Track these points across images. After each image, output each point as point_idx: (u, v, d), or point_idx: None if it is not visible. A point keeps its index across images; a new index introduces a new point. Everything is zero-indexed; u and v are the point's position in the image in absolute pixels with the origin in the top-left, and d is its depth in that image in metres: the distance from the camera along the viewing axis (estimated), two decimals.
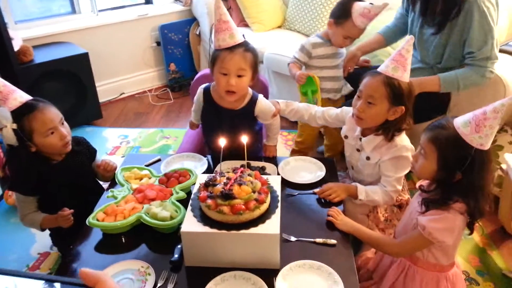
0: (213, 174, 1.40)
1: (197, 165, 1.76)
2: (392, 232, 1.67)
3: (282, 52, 2.93)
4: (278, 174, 1.64)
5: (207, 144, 1.92)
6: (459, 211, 1.20)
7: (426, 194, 1.29)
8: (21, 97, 1.46)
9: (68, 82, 2.90)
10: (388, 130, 1.52)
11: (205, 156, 1.81)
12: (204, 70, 2.21)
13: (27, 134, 1.44)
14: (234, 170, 1.39)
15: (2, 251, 1.99)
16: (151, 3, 3.77)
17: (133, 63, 3.64)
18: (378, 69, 1.50)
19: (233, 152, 1.70)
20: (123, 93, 3.64)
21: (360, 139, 1.61)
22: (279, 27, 3.55)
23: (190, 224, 1.27)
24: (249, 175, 1.37)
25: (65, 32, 3.14)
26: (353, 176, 1.75)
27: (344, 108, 1.73)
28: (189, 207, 1.34)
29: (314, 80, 2.09)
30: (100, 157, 2.63)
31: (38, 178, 1.53)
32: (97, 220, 1.40)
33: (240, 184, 1.30)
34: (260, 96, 1.72)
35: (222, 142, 1.40)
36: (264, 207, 1.29)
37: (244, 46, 1.55)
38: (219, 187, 1.30)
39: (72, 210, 1.49)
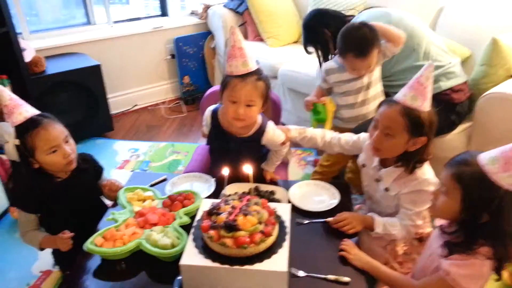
0: (218, 201, 1.32)
1: (204, 187, 1.68)
2: (411, 267, 1.55)
3: (298, 68, 2.87)
4: (289, 200, 1.55)
5: (212, 166, 1.84)
6: (485, 255, 1.08)
7: (447, 236, 1.17)
8: (26, 111, 1.40)
9: (79, 94, 2.88)
10: (408, 162, 1.40)
11: (213, 176, 1.73)
12: (216, 87, 2.14)
13: (29, 151, 1.39)
14: (240, 198, 1.31)
15: (3, 267, 1.94)
16: (167, 15, 3.76)
17: (147, 75, 3.62)
18: (395, 98, 1.39)
19: (239, 177, 1.62)
20: (136, 104, 3.62)
21: (379, 169, 1.50)
22: (295, 42, 3.48)
23: (191, 256, 1.18)
24: (255, 203, 1.28)
25: (79, 43, 3.14)
26: (371, 207, 1.64)
27: (362, 135, 1.63)
28: (191, 236, 1.26)
29: (325, 107, 1.98)
30: (109, 172, 2.70)
31: (40, 195, 1.47)
32: (95, 245, 1.32)
33: (245, 214, 1.21)
34: (270, 126, 1.62)
35: (226, 171, 1.31)
36: (271, 240, 1.20)
37: (257, 75, 1.48)
38: (223, 217, 1.21)
39: (71, 234, 1.42)
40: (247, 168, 1.28)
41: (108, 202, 1.69)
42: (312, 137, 1.70)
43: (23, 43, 2.61)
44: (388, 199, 1.50)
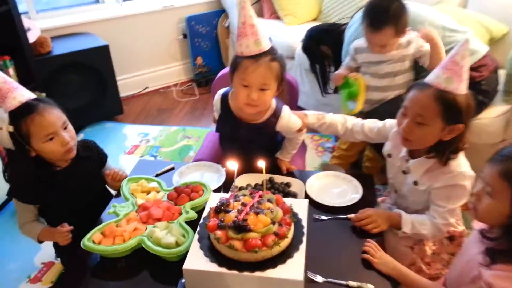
0: (227, 196, 1.19)
1: (214, 178, 1.55)
2: (439, 268, 1.40)
3: None
4: (306, 192, 1.41)
5: (225, 153, 1.70)
6: None
7: (489, 242, 1.01)
8: (21, 96, 1.29)
9: (87, 76, 2.77)
10: (442, 152, 1.24)
11: (223, 166, 1.59)
12: (227, 69, 1.98)
13: (25, 138, 1.29)
14: (252, 193, 1.17)
15: (3, 258, 1.87)
16: None
17: (158, 56, 3.49)
18: (427, 80, 1.22)
19: (251, 167, 1.49)
20: (147, 87, 3.50)
21: (407, 160, 1.34)
22: (314, 20, 3.28)
23: (195, 259, 1.06)
24: (269, 200, 1.14)
25: (87, 22, 3.01)
26: (396, 201, 1.48)
27: (388, 121, 1.46)
28: (196, 236, 1.13)
29: (357, 82, 1.82)
30: (118, 157, 2.59)
31: (39, 185, 1.38)
32: (93, 242, 1.21)
33: (257, 213, 1.08)
34: (285, 110, 1.48)
35: (233, 165, 1.17)
36: (285, 243, 1.07)
37: (271, 54, 1.33)
38: (232, 215, 1.08)
39: (70, 228, 1.34)
40: (261, 163, 1.13)
41: (113, 192, 1.59)
42: (332, 124, 1.54)
43: (28, 23, 2.50)
44: (417, 193, 1.34)
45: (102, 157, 1.58)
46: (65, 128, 1.36)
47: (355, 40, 1.99)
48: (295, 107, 1.87)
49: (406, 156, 1.35)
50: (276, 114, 1.45)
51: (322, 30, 2.29)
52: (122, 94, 3.15)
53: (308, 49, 2.31)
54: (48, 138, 1.31)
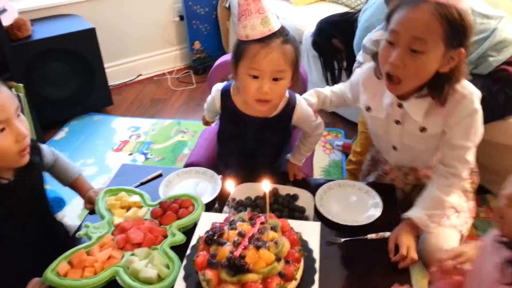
0: (220, 221, 0.97)
1: (208, 187, 1.32)
2: None
3: None
4: (315, 206, 1.18)
5: (220, 159, 1.47)
6: None
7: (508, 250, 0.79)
8: None
9: (72, 63, 2.53)
10: (441, 89, 1.03)
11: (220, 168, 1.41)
12: (227, 56, 1.73)
13: None
14: (251, 219, 0.94)
15: None
16: None
17: (151, 41, 3.24)
18: None
19: (253, 172, 1.29)
20: (141, 74, 3.27)
21: (400, 105, 1.12)
22: None
23: None
24: (272, 228, 0.91)
25: (71, 3, 2.75)
26: (398, 159, 1.29)
27: (353, 76, 1.28)
28: (181, 272, 0.91)
29: None
30: (105, 155, 2.29)
31: None
32: (58, 273, 1.00)
33: (258, 247, 0.85)
34: (299, 98, 1.26)
35: (231, 187, 0.95)
36: (293, 286, 0.85)
37: (283, 35, 1.09)
38: (226, 249, 0.86)
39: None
40: (265, 186, 0.90)
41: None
42: (329, 95, 1.36)
43: (2, 3, 2.25)
44: (428, 141, 1.16)
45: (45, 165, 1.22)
46: (18, 116, 1.00)
47: (370, 25, 1.73)
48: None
49: (395, 101, 1.13)
50: (291, 104, 1.22)
51: (333, 22, 2.06)
52: (112, 83, 2.92)
53: (318, 45, 2.10)
54: None
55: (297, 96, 1.26)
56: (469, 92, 1.05)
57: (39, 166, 1.13)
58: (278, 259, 0.85)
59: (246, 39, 1.07)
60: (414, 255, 1.02)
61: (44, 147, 1.24)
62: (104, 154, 2.37)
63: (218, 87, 1.29)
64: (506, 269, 0.77)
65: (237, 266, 0.82)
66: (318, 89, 1.36)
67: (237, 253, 0.83)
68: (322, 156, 2.27)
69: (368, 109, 1.22)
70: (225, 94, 1.25)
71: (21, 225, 1.10)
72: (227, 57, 1.71)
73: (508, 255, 0.78)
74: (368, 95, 1.21)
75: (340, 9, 2.81)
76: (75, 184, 1.32)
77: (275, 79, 1.11)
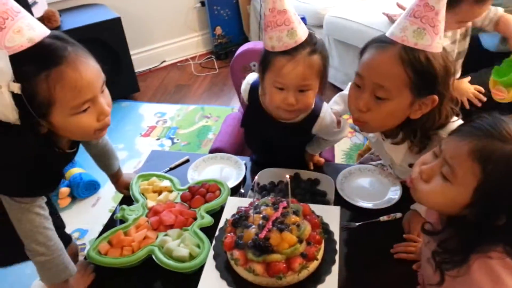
0: (245, 204, 1.04)
1: (233, 172, 1.39)
2: None
3: (347, 15, 2.43)
4: (336, 190, 1.23)
5: (248, 146, 1.53)
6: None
7: (435, 240, 0.79)
8: (32, 29, 0.80)
9: (99, 52, 2.48)
10: (413, 135, 0.99)
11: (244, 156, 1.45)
12: (249, 44, 1.77)
13: (42, 106, 0.82)
14: (275, 204, 1.00)
15: None
16: None
17: (174, 27, 3.28)
18: (389, 34, 0.93)
19: (276, 159, 1.35)
20: (165, 61, 3.33)
21: (384, 140, 1.11)
22: None
23: (210, 283, 0.93)
24: (294, 212, 0.97)
25: None
26: (396, 172, 1.27)
27: (345, 90, 1.23)
28: (211, 252, 0.99)
29: None
30: (134, 140, 2.40)
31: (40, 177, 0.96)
32: (99, 252, 1.09)
33: (281, 230, 0.91)
34: (325, 110, 1.22)
35: (288, 173, 1.01)
36: (315, 265, 0.92)
37: (310, 46, 1.05)
38: (252, 232, 0.92)
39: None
40: (287, 173, 0.96)
41: None
42: None
43: None
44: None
45: None
46: (102, 92, 0.92)
47: None
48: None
49: (380, 136, 1.11)
50: (314, 114, 1.20)
51: None
52: (138, 69, 3.00)
53: None
54: (82, 109, 0.86)
55: (324, 107, 1.22)
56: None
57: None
58: (300, 241, 0.91)
59: (272, 50, 1.05)
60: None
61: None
62: (133, 139, 2.46)
63: (249, 79, 1.28)
64: (434, 268, 0.76)
65: (262, 247, 0.88)
66: (343, 93, 1.32)
67: (262, 235, 0.90)
68: (344, 140, 2.29)
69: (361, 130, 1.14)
70: (254, 90, 1.25)
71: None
72: (248, 45, 1.74)
73: (433, 247, 0.77)
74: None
75: None
76: (114, 175, 1.35)
77: (302, 90, 1.08)
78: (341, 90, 2.71)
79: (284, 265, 0.88)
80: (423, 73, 0.89)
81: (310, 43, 1.05)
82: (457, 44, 1.63)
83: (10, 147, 0.88)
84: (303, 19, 1.08)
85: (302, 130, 1.24)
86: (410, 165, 1.07)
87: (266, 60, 1.08)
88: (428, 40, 0.88)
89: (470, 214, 0.73)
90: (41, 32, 0.82)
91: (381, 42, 0.93)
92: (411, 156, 1.05)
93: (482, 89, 1.60)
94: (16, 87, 0.77)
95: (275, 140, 1.31)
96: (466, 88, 1.62)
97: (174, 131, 2.53)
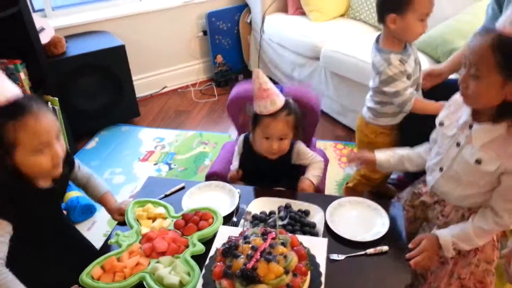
0: (236, 235, 1.07)
1: (226, 201, 1.44)
2: None
3: (343, 49, 2.51)
4: (325, 222, 1.27)
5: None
6: None
7: None
8: (7, 90, 1.04)
9: (102, 77, 2.68)
10: (507, 116, 1.06)
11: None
12: (243, 83, 1.82)
13: (8, 146, 1.04)
14: (264, 234, 1.04)
15: None
16: None
17: (176, 55, 3.37)
18: (497, 25, 1.04)
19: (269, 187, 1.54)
20: (166, 86, 3.40)
21: (470, 126, 1.14)
22: (342, 15, 3.09)
23: None
24: (282, 243, 1.01)
25: (103, 20, 2.91)
26: (437, 183, 1.28)
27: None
28: (200, 281, 1.02)
29: None
30: (132, 164, 2.46)
31: (13, 204, 1.12)
32: (92, 277, 1.12)
33: (268, 261, 0.95)
34: (297, 144, 1.61)
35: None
36: None
37: (286, 110, 1.48)
38: (240, 262, 0.96)
39: None
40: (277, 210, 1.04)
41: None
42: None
43: (41, 22, 2.42)
44: (476, 175, 1.14)
45: (71, 164, 1.35)
46: (57, 138, 1.12)
47: None
48: (314, 128, 1.79)
49: (469, 121, 1.15)
50: (290, 148, 1.57)
51: None
52: (139, 94, 3.06)
53: None
54: (38, 150, 1.06)
55: (297, 143, 1.60)
56: None
57: (68, 176, 1.28)
58: (286, 272, 0.94)
59: (260, 113, 1.46)
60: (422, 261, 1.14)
61: (81, 165, 1.40)
62: (131, 164, 2.50)
63: (241, 138, 1.67)
64: None
65: (249, 277, 0.91)
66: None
67: (249, 265, 0.93)
68: (337, 170, 2.34)
69: (441, 124, 1.25)
70: (246, 139, 1.64)
71: (50, 222, 1.25)
72: (238, 89, 1.81)
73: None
74: (449, 110, 1.25)
75: (359, 26, 2.89)
76: (103, 199, 1.43)
77: (281, 139, 1.49)
78: (336, 120, 2.80)
79: None
80: (510, 57, 0.99)
81: (286, 107, 1.47)
82: None
83: None
84: (281, 90, 1.51)
85: (285, 160, 1.58)
86: (477, 161, 1.11)
87: (256, 119, 1.50)
88: None
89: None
90: (15, 93, 1.05)
91: (485, 29, 1.06)
92: (494, 146, 1.09)
93: None
94: None
95: (267, 171, 1.58)
96: None
97: (172, 157, 2.57)
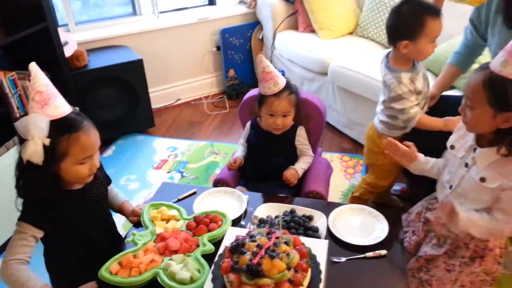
0: (243, 235, 1.16)
1: (235, 205, 1.53)
2: None
3: (351, 65, 2.61)
4: (328, 227, 1.35)
5: (246, 165, 1.83)
6: None
7: None
8: (63, 106, 1.16)
9: (121, 89, 2.82)
10: (502, 141, 1.18)
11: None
12: (254, 90, 1.95)
13: (59, 155, 1.15)
14: (268, 234, 1.13)
15: None
16: (215, 4, 3.60)
17: (191, 68, 3.51)
18: (490, 64, 1.17)
19: (271, 172, 1.75)
20: (180, 99, 3.54)
21: (475, 150, 1.27)
22: (351, 33, 3.20)
23: None
24: (285, 242, 1.10)
25: (123, 35, 3.07)
26: (446, 199, 1.38)
27: None
28: (210, 275, 1.11)
29: None
30: (146, 172, 2.58)
31: (51, 205, 1.24)
32: (110, 272, 1.22)
33: (272, 257, 1.03)
34: (300, 127, 1.79)
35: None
36: None
37: (288, 90, 1.68)
38: (247, 258, 1.04)
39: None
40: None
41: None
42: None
43: (65, 37, 2.57)
44: (482, 191, 1.24)
45: (107, 178, 1.50)
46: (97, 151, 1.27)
47: None
48: (321, 129, 1.88)
49: (473, 145, 1.27)
50: (294, 127, 1.77)
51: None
52: (154, 106, 3.19)
53: None
54: (82, 162, 1.20)
55: (301, 127, 1.78)
56: None
57: (98, 178, 1.38)
58: (288, 268, 1.02)
59: (265, 94, 1.67)
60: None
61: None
62: (145, 171, 2.61)
63: (248, 123, 1.85)
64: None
65: (254, 272, 1.00)
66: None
67: (255, 261, 1.02)
68: (343, 181, 2.41)
69: (452, 147, 1.36)
70: (254, 121, 1.83)
71: (88, 222, 1.35)
72: (252, 92, 1.94)
73: None
74: (458, 135, 1.36)
75: (367, 44, 2.98)
76: (122, 206, 1.52)
77: (284, 116, 1.68)
78: (343, 133, 2.90)
79: None
80: (499, 93, 1.13)
81: (288, 88, 1.67)
82: None
83: (30, 180, 1.20)
84: (283, 73, 1.70)
85: (287, 137, 1.77)
86: (481, 179, 1.22)
87: (261, 99, 1.70)
88: (509, 69, 1.10)
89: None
90: (69, 109, 1.18)
91: (481, 67, 1.19)
92: (496, 166, 1.21)
93: None
94: (47, 141, 1.11)
95: (269, 150, 1.77)
96: None
97: (184, 165, 2.67)
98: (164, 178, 2.51)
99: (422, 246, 1.47)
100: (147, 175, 2.59)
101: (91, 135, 1.19)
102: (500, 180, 1.18)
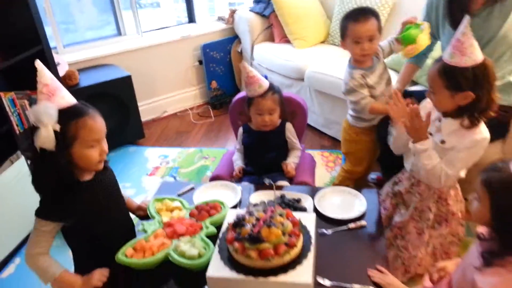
0: (242, 212, 1.34)
1: (231, 196, 1.70)
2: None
3: (325, 70, 2.84)
4: (314, 207, 1.54)
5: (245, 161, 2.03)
6: None
7: (484, 244, 1.12)
8: (69, 97, 1.29)
9: (112, 104, 2.96)
10: (461, 115, 1.45)
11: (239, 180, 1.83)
12: (242, 93, 2.16)
13: (69, 140, 1.25)
14: (265, 209, 1.31)
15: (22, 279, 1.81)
16: (194, 21, 3.81)
17: (175, 82, 3.69)
18: (443, 56, 1.45)
19: (265, 166, 1.94)
20: (166, 111, 3.69)
21: (440, 120, 1.55)
22: (323, 42, 3.44)
23: (216, 268, 1.20)
24: (280, 214, 1.28)
25: (110, 55, 3.22)
26: (413, 165, 1.64)
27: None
28: (216, 248, 1.28)
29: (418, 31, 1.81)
30: (141, 178, 2.71)
31: (67, 196, 1.32)
32: (126, 256, 1.37)
33: (269, 226, 1.21)
34: (288, 123, 2.01)
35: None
36: (295, 251, 1.20)
37: (271, 90, 1.89)
38: (248, 229, 1.22)
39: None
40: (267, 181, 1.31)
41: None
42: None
43: (57, 58, 2.71)
44: (442, 152, 1.52)
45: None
46: (103, 139, 1.37)
47: None
48: (304, 125, 2.12)
49: (439, 116, 1.55)
50: (282, 123, 1.98)
51: None
52: (143, 118, 3.33)
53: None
54: (91, 145, 1.30)
55: (288, 123, 1.99)
56: (482, 137, 1.44)
57: (107, 169, 1.47)
58: (284, 234, 1.20)
59: (252, 96, 1.87)
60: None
61: None
62: (140, 178, 2.74)
63: (240, 129, 2.06)
64: (481, 257, 1.08)
65: (255, 239, 1.17)
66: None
67: (255, 230, 1.19)
68: (325, 173, 2.61)
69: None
70: (246, 126, 2.03)
71: (103, 213, 1.45)
72: (240, 95, 2.15)
73: (483, 247, 1.09)
74: (425, 110, 1.55)
75: (337, 50, 3.20)
76: (127, 203, 1.63)
77: (271, 113, 1.89)
78: (321, 132, 3.13)
79: (272, 251, 1.16)
80: (451, 78, 1.40)
81: (271, 88, 1.89)
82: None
83: (45, 170, 1.28)
84: (265, 77, 1.91)
85: (278, 132, 1.98)
86: (442, 142, 1.51)
87: (249, 101, 1.91)
88: (457, 59, 1.38)
89: (496, 225, 1.07)
90: (74, 100, 1.31)
91: (437, 60, 1.47)
92: (455, 134, 1.48)
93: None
94: (58, 127, 1.21)
95: (262, 147, 1.96)
96: None
97: (176, 170, 2.82)
98: (158, 183, 2.64)
99: (393, 218, 1.69)
100: (142, 182, 2.72)
101: (97, 120, 1.31)
102: (455, 142, 1.47)
